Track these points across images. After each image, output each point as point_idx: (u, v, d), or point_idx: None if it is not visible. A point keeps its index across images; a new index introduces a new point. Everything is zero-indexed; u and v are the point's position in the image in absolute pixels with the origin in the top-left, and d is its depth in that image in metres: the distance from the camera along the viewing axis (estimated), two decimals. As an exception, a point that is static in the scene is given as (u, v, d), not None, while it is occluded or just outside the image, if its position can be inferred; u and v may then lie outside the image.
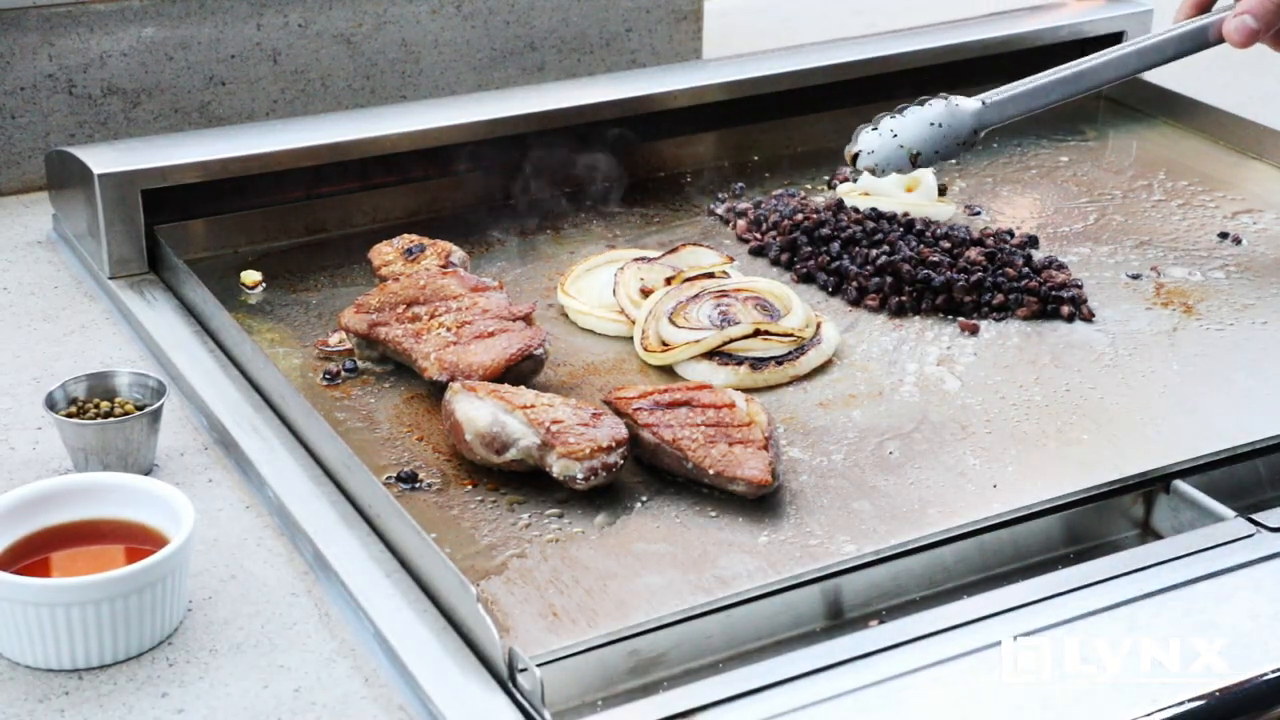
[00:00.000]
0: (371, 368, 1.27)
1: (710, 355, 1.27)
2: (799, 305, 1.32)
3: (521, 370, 1.20)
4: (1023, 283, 1.40)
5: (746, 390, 1.23)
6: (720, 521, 1.08)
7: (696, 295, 1.32)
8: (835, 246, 1.45)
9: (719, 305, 1.31)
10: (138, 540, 1.00)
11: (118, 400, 1.14)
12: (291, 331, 1.33)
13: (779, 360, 1.27)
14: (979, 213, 1.58)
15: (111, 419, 1.11)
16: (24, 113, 1.59)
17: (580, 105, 1.60)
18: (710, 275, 1.36)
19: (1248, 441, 1.16)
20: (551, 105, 1.59)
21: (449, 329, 1.23)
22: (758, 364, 1.26)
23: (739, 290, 1.32)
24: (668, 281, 1.34)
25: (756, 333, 1.27)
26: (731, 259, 1.41)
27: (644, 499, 1.11)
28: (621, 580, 1.02)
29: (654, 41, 1.88)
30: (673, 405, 1.14)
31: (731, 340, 1.27)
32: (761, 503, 1.10)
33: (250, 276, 1.41)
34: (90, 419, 1.12)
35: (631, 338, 1.33)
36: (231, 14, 1.63)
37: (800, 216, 1.51)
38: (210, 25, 1.63)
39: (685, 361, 1.27)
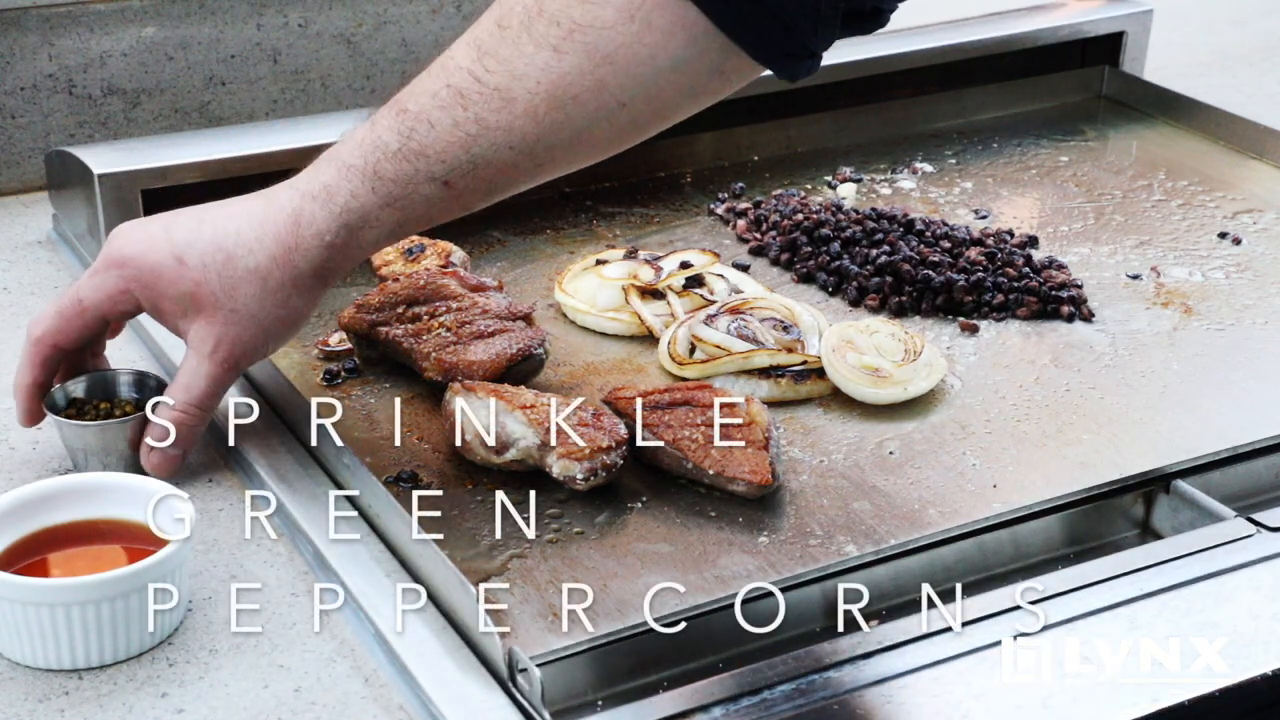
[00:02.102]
0: (371, 368, 1.27)
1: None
2: (807, 320, 1.31)
3: (521, 370, 1.20)
4: (1023, 283, 1.40)
5: (789, 403, 1.23)
6: (720, 521, 1.08)
7: (713, 316, 1.30)
8: (835, 246, 1.45)
9: (735, 322, 1.29)
10: (138, 540, 1.00)
11: (118, 400, 1.14)
12: (291, 331, 1.33)
13: (820, 373, 1.25)
14: (985, 215, 1.58)
15: (112, 419, 1.11)
16: (24, 113, 1.59)
17: (580, 105, 1.59)
18: (700, 280, 1.36)
19: (1248, 441, 1.16)
20: (551, 105, 1.58)
21: (449, 329, 1.23)
22: (800, 377, 1.25)
23: (753, 309, 1.31)
24: (656, 293, 1.34)
25: (819, 370, 1.25)
26: (717, 255, 1.40)
27: (644, 499, 1.11)
28: (621, 580, 1.02)
29: (654, 41, 1.88)
30: (673, 405, 1.14)
31: (785, 367, 1.25)
32: (761, 503, 1.10)
33: (250, 276, 1.41)
34: (90, 419, 1.12)
35: (632, 337, 1.33)
36: (231, 14, 1.63)
37: (800, 216, 1.51)
38: (210, 25, 1.63)
39: (724, 375, 1.25)
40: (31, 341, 1.11)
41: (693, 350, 1.28)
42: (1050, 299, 1.38)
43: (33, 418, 1.13)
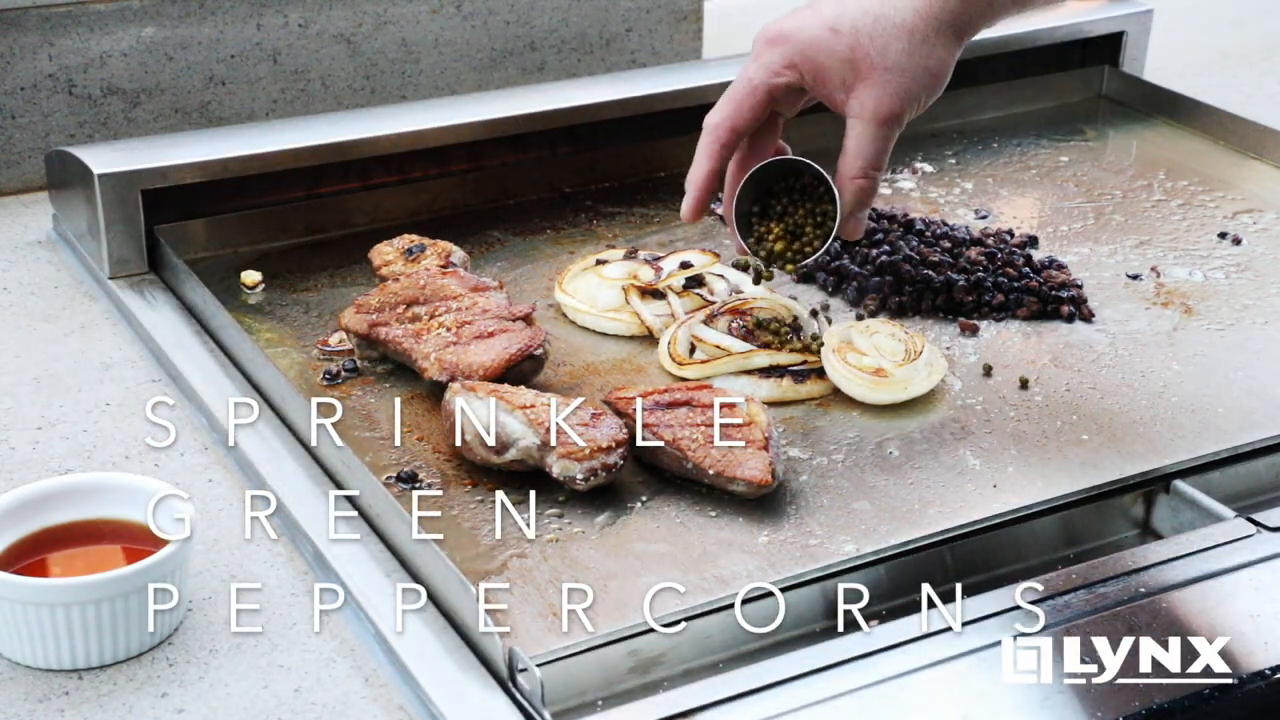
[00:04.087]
0: (371, 368, 1.27)
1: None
2: (806, 320, 1.31)
3: (521, 370, 1.20)
4: (1023, 283, 1.40)
5: (789, 403, 1.23)
6: (720, 521, 1.08)
7: (713, 315, 1.30)
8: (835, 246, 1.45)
9: (735, 322, 1.28)
10: (138, 540, 1.00)
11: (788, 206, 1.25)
12: (291, 331, 1.33)
13: (820, 373, 1.25)
14: (985, 215, 1.58)
15: (812, 246, 1.23)
16: (24, 113, 1.59)
17: (580, 105, 1.60)
18: (700, 280, 1.36)
19: (1248, 441, 1.16)
20: (551, 105, 1.59)
21: (449, 329, 1.23)
22: (800, 377, 1.25)
23: (753, 309, 1.31)
24: (656, 293, 1.34)
25: (819, 370, 1.25)
26: (717, 255, 1.40)
27: (644, 499, 1.11)
28: (621, 580, 1.02)
29: (654, 41, 1.88)
30: (673, 405, 1.14)
31: (785, 367, 1.25)
32: (761, 503, 1.10)
33: (250, 276, 1.41)
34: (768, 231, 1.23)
35: (632, 337, 1.33)
36: (231, 14, 1.63)
37: (800, 216, 1.51)
38: (210, 25, 1.63)
39: (724, 375, 1.25)
40: (707, 131, 1.19)
41: (693, 350, 1.28)
42: (1050, 299, 1.38)
43: (697, 211, 1.21)
